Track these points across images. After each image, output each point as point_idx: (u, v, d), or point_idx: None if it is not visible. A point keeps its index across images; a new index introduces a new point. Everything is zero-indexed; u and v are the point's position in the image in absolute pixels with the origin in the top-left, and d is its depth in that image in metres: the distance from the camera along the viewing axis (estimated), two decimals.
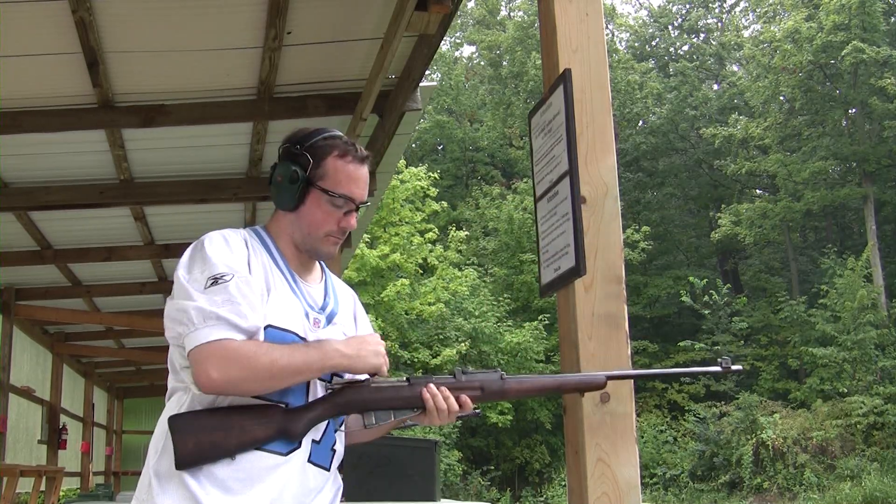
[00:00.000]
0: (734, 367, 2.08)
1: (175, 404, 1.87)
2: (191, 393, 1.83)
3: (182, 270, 1.83)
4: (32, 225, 6.82)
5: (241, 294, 1.78)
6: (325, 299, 2.01)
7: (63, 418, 11.35)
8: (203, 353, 1.72)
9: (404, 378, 1.97)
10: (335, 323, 1.99)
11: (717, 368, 2.08)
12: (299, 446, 1.85)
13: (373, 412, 1.93)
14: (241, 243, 1.90)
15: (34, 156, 5.57)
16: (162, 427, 1.86)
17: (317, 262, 2.08)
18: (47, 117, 4.85)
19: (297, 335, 1.88)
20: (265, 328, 1.83)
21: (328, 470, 1.93)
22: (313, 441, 1.88)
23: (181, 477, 1.78)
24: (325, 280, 2.08)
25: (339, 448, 1.97)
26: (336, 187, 1.94)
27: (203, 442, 1.77)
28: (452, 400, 1.92)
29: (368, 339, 1.90)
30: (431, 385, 1.92)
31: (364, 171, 1.99)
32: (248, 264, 1.87)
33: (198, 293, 1.76)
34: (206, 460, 1.77)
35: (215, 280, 1.77)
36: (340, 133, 2.01)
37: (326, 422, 1.92)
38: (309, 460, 1.87)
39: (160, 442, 1.85)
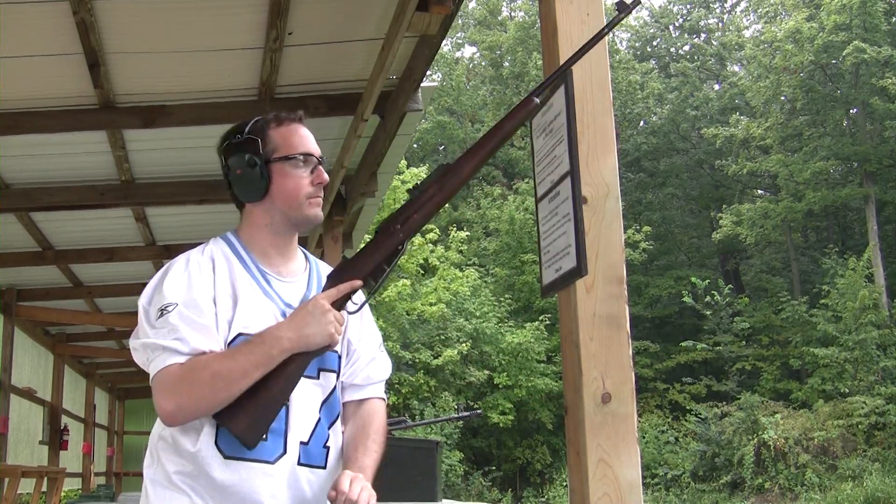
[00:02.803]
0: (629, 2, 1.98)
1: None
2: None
3: (143, 301, 1.87)
4: (33, 226, 6.82)
5: (185, 321, 1.79)
6: (305, 292, 1.98)
7: (64, 419, 11.35)
8: (155, 387, 1.76)
9: (375, 232, 1.97)
10: None
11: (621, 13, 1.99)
12: (285, 452, 1.83)
13: (369, 277, 1.92)
14: (205, 263, 1.91)
15: (35, 157, 5.57)
16: (155, 435, 1.88)
17: (299, 254, 2.05)
18: (49, 118, 4.86)
19: None
20: (236, 336, 1.83)
21: (324, 468, 1.90)
22: (301, 443, 1.86)
23: (176, 485, 1.80)
24: (310, 270, 2.05)
25: (334, 444, 1.94)
26: (293, 150, 1.96)
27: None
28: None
29: (311, 310, 1.81)
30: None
31: (304, 128, 2.01)
32: (214, 285, 1.87)
33: (148, 328, 1.80)
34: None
35: (161, 312, 1.80)
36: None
37: (316, 420, 1.90)
38: (299, 463, 1.85)
39: (154, 450, 1.87)
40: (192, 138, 5.36)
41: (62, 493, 10.70)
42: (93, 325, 10.75)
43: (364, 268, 1.92)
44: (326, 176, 1.99)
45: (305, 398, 1.89)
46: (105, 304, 9.95)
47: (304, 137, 1.99)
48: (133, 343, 1.83)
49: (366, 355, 2.05)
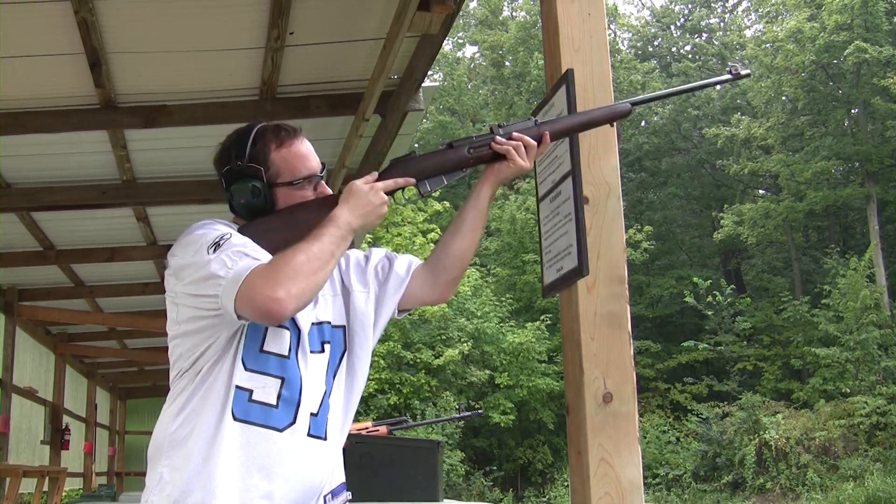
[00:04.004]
0: (744, 72, 2.17)
1: (173, 397, 1.89)
2: (195, 381, 1.86)
3: (177, 257, 1.86)
4: (35, 225, 6.82)
5: (245, 240, 1.82)
6: None
7: (66, 419, 11.36)
8: (250, 287, 1.71)
9: (444, 144, 2.06)
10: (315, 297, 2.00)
11: (728, 76, 2.19)
12: (294, 422, 1.86)
13: (425, 180, 2.01)
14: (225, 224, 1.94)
15: (36, 156, 5.57)
16: (162, 433, 1.88)
17: None
18: (50, 118, 4.85)
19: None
20: None
21: (325, 439, 1.93)
22: (311, 414, 1.90)
23: (198, 465, 1.80)
24: None
25: (333, 416, 1.97)
26: (296, 175, 1.98)
27: (276, 241, 1.84)
28: (526, 137, 2.05)
29: (371, 199, 1.90)
30: (497, 137, 2.05)
31: (305, 142, 2.02)
32: None
33: (207, 258, 1.78)
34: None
35: (216, 244, 1.79)
36: (258, 123, 2.02)
37: (324, 392, 1.94)
38: (308, 434, 1.89)
39: (162, 443, 1.86)
40: (193, 138, 5.36)
41: (63, 493, 10.70)
42: (94, 325, 10.74)
43: (425, 171, 2.02)
44: (329, 189, 2.02)
45: (315, 370, 1.94)
46: (106, 304, 9.95)
47: (306, 157, 2.01)
48: (196, 276, 1.79)
49: (375, 263, 2.16)
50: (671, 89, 2.35)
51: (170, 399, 1.91)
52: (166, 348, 1.97)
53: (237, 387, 1.83)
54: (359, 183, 1.93)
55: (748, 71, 2.23)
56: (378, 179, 1.97)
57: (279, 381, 1.87)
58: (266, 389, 1.85)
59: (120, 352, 12.38)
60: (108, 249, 7.58)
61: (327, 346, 2.00)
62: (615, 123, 2.28)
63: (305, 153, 2.01)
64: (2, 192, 5.89)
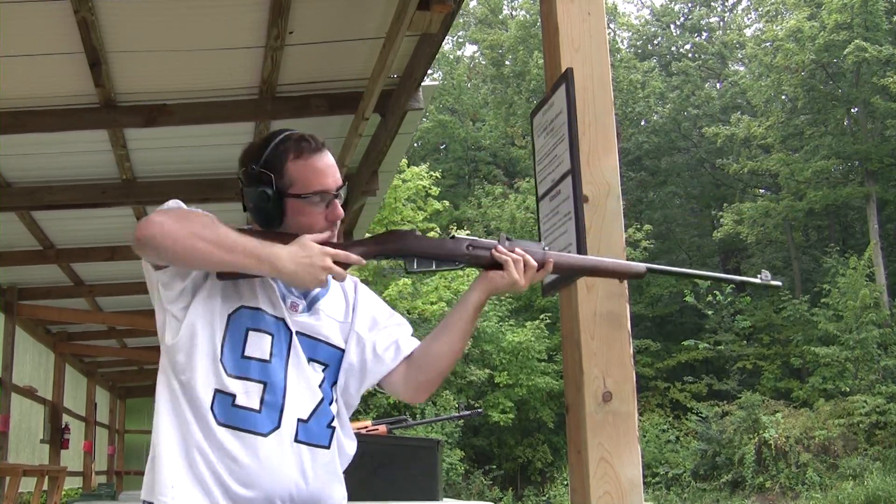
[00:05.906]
0: (773, 283, 2.16)
1: (159, 393, 1.94)
2: (173, 383, 1.90)
3: None
4: (35, 224, 6.82)
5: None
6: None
7: (65, 418, 11.35)
8: (153, 212, 1.80)
9: (449, 235, 2.03)
10: (317, 310, 1.99)
11: (756, 280, 2.18)
12: (279, 426, 1.85)
13: (414, 258, 1.96)
14: None
15: (36, 155, 5.57)
16: (156, 428, 1.90)
17: None
18: (50, 117, 4.85)
19: (267, 313, 1.91)
20: (237, 308, 1.89)
21: (328, 448, 1.92)
22: (299, 420, 1.88)
23: (184, 474, 1.82)
24: None
25: (339, 425, 1.96)
26: (307, 188, 1.92)
27: None
28: (528, 256, 1.98)
29: (315, 261, 1.82)
30: (500, 246, 1.98)
31: (326, 157, 1.97)
32: None
33: None
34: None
35: None
36: (288, 131, 1.99)
37: (319, 399, 1.92)
38: (296, 440, 1.87)
39: (157, 443, 1.88)
40: (193, 137, 5.36)
41: (63, 492, 10.70)
42: (94, 324, 10.73)
43: (418, 250, 1.97)
44: (341, 210, 1.98)
45: (305, 377, 1.92)
46: (106, 303, 9.94)
47: (322, 172, 1.95)
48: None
49: (391, 327, 2.11)
50: (692, 272, 2.36)
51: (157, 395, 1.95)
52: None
53: (218, 391, 1.84)
54: (310, 240, 1.86)
55: (778, 283, 2.26)
56: (356, 246, 1.93)
57: (261, 385, 1.86)
58: (249, 394, 1.85)
59: (119, 351, 12.37)
60: (107, 248, 7.58)
61: (326, 361, 1.98)
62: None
63: (322, 168, 1.95)
64: (2, 192, 5.89)
